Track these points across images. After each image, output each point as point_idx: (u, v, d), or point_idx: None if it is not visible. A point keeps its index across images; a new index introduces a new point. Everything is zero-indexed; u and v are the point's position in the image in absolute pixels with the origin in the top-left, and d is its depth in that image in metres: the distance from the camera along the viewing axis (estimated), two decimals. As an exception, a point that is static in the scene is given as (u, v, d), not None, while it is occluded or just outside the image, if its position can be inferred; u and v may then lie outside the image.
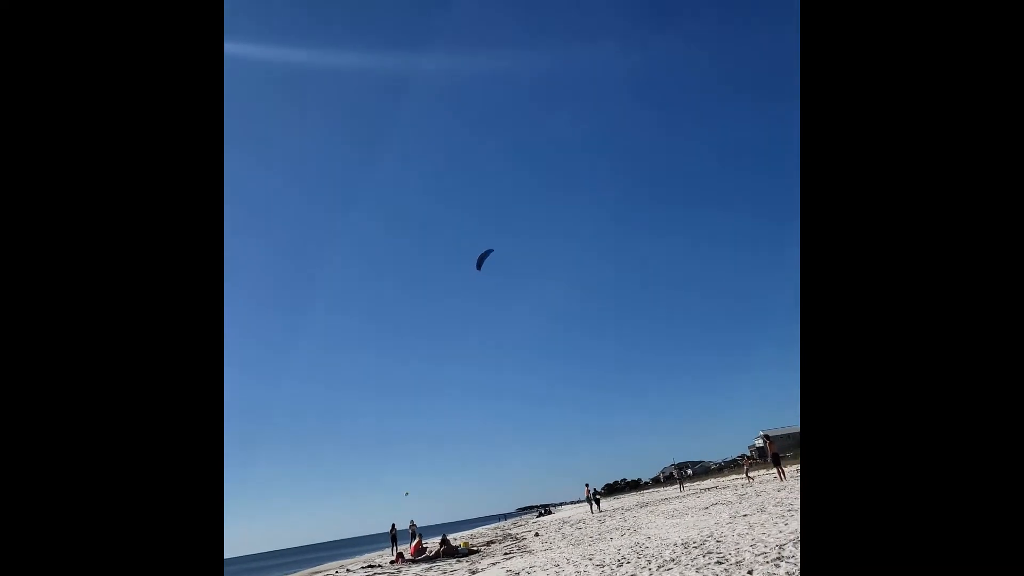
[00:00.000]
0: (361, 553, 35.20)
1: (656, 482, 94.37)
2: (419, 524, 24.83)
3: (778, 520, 8.52)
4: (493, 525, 45.95)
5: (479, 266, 18.44)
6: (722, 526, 9.38)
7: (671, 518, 13.75)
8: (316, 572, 26.36)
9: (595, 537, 13.03)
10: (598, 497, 32.23)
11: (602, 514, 24.05)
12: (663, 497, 29.94)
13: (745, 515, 10.30)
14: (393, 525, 26.65)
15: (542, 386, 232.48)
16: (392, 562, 17.64)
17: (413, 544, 18.65)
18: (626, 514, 19.86)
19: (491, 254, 18.58)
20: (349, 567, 20.22)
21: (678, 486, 41.77)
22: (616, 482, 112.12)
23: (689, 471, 78.44)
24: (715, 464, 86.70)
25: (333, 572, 18.79)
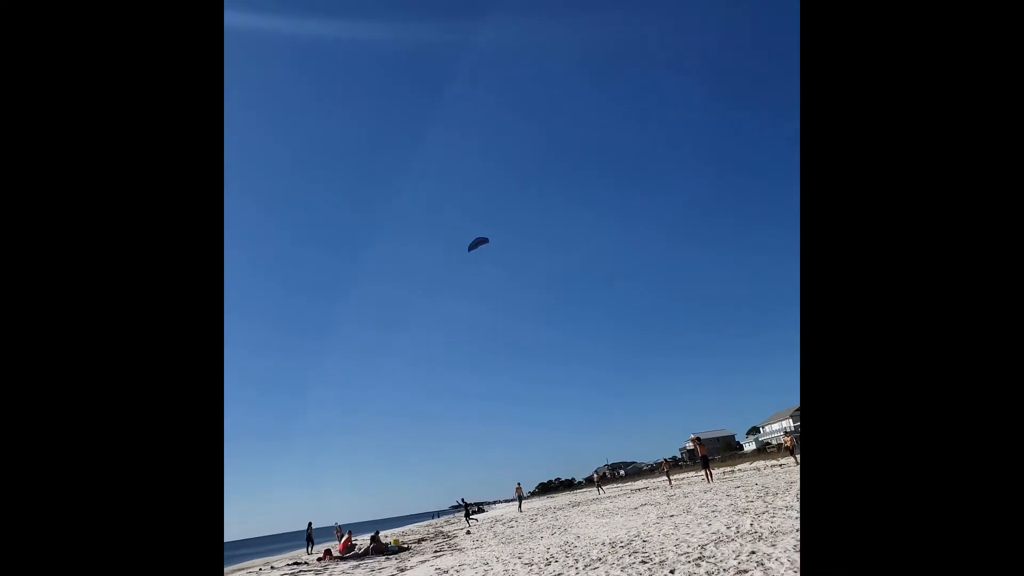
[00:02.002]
0: (276, 552, 34.11)
1: (590, 482, 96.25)
2: (350, 520, 24.41)
3: (702, 521, 8.83)
4: (425, 522, 45.64)
5: (471, 248, 18.20)
6: (649, 526, 9.63)
7: (601, 518, 14.02)
8: (239, 569, 25.39)
9: (525, 536, 13.13)
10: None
11: (534, 512, 24.28)
12: (594, 497, 30.52)
13: (672, 516, 10.62)
14: (310, 524, 25.81)
15: (477, 382, 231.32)
16: (319, 559, 17.18)
17: (342, 541, 18.25)
18: (557, 513, 20.13)
19: (484, 244, 18.30)
20: (274, 564, 19.57)
21: (596, 489, 40.88)
22: (550, 481, 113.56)
23: (622, 471, 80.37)
24: (647, 465, 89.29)
25: (257, 569, 18.13)
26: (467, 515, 26.82)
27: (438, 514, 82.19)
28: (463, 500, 28.10)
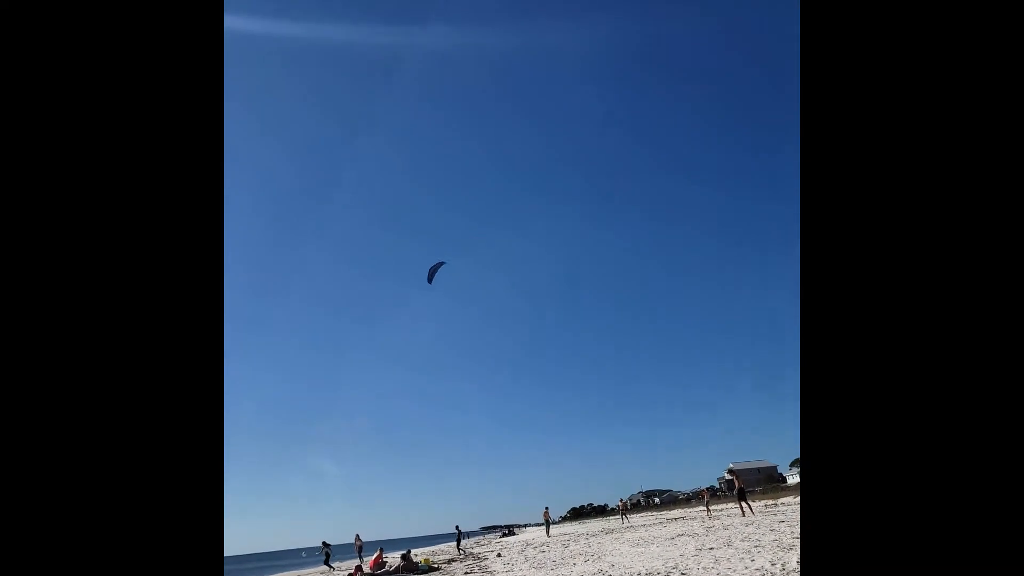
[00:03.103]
0: (296, 567, 34.11)
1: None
2: (378, 538, 24.09)
3: (744, 556, 8.47)
4: (454, 543, 45.15)
5: (430, 279, 17.82)
6: (687, 558, 9.30)
7: (636, 547, 13.63)
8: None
9: (558, 561, 12.86)
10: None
11: (566, 538, 23.80)
12: (628, 525, 29.74)
13: (711, 548, 10.24)
14: (324, 542, 24.79)
15: (513, 404, 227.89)
16: (351, 574, 17.19)
17: (373, 557, 18.24)
18: (590, 540, 19.68)
19: (443, 267, 17.97)
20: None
21: (621, 518, 38.05)
22: (582, 507, 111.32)
23: (656, 499, 78.25)
24: (683, 494, 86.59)
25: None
26: (458, 543, 26.08)
27: (467, 535, 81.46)
28: (457, 527, 27.41)
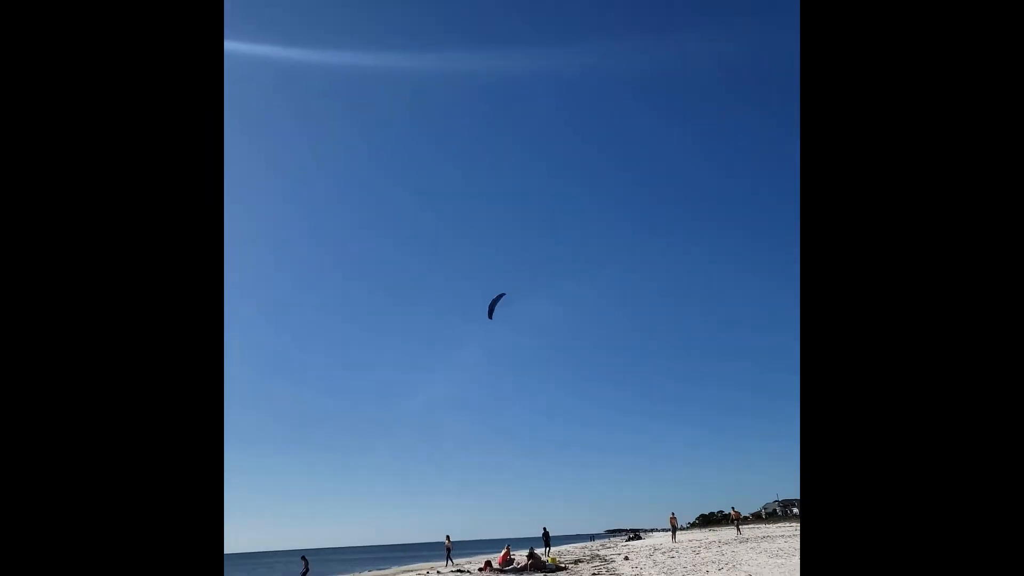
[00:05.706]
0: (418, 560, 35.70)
1: (757, 517, 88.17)
2: (506, 536, 24.33)
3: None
4: (581, 544, 45.02)
5: (491, 314, 17.75)
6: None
7: (775, 557, 12.81)
8: (406, 571, 27.21)
9: (689, 568, 12.43)
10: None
11: (696, 544, 22.84)
12: (764, 534, 27.90)
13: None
14: (448, 537, 24.06)
15: (645, 403, 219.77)
16: (480, 569, 17.81)
17: (501, 554, 18.76)
18: (723, 548, 18.75)
19: (503, 298, 17.82)
20: (439, 569, 20.69)
21: (735, 528, 33.35)
22: (712, 513, 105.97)
23: (795, 509, 72.60)
24: (825, 505, 79.19)
25: (425, 572, 19.33)
26: (547, 546, 25.35)
27: (592, 537, 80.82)
28: (544, 529, 26.48)
